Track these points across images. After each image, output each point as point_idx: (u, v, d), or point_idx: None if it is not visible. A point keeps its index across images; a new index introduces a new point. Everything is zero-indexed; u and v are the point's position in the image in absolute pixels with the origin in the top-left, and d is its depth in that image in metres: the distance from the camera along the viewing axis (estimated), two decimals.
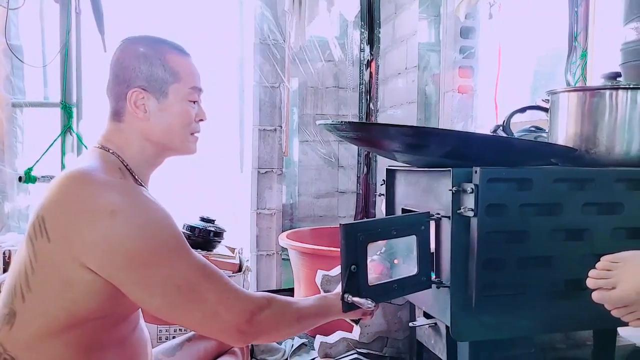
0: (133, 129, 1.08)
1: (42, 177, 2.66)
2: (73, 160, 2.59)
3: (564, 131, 1.42)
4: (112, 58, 1.11)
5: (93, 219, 0.91)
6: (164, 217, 0.98)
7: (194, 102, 1.12)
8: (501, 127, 1.55)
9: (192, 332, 1.35)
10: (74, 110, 2.74)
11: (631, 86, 1.34)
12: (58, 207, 0.95)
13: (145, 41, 1.10)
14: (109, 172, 1.00)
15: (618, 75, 1.38)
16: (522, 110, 1.56)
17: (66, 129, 2.71)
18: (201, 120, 1.15)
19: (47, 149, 2.68)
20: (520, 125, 1.70)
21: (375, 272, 1.18)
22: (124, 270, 0.93)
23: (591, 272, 0.98)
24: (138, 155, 1.09)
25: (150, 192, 1.12)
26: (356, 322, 1.28)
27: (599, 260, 0.98)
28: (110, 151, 1.07)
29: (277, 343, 2.29)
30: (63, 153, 2.72)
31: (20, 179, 2.67)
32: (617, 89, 1.33)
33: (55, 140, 2.70)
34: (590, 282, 0.97)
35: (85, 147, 2.72)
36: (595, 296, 0.97)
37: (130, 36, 1.13)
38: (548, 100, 1.49)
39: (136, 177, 1.08)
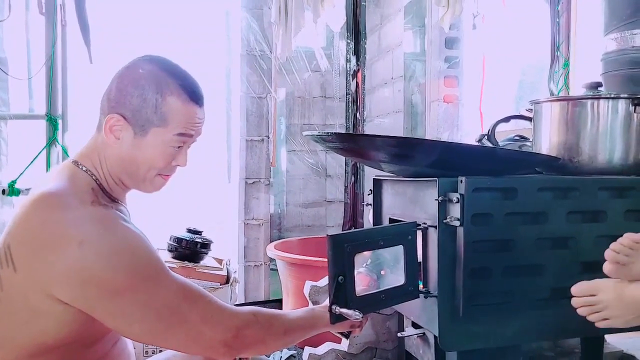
0: (104, 149, 1.04)
1: (26, 189, 2.62)
2: (44, 177, 2.55)
3: (547, 140, 1.44)
4: (118, 70, 1.04)
5: (61, 250, 0.88)
6: (138, 243, 0.94)
7: (178, 147, 1.05)
8: (486, 136, 1.56)
9: None
10: (59, 122, 2.71)
11: (612, 96, 1.36)
12: (24, 235, 0.91)
13: (155, 71, 1.01)
14: (79, 195, 0.95)
15: (599, 85, 1.40)
16: (507, 119, 1.58)
17: (51, 141, 2.68)
18: (178, 165, 1.08)
19: (32, 162, 2.65)
20: (504, 134, 1.71)
21: (362, 284, 1.18)
22: (98, 300, 0.90)
23: (613, 245, 0.99)
24: (109, 177, 1.04)
25: (127, 210, 1.09)
26: (346, 336, 1.27)
27: (616, 241, 1.01)
28: (84, 168, 1.02)
29: (266, 356, 2.28)
30: (48, 165, 2.68)
31: (3, 191, 2.63)
32: (598, 98, 1.35)
33: (40, 153, 2.67)
34: (610, 255, 0.99)
35: None
36: (607, 268, 0.99)
37: (150, 55, 1.04)
38: (531, 109, 1.51)
39: (111, 195, 1.04)
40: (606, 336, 1.78)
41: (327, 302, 1.12)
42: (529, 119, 1.53)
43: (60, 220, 0.90)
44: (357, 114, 3.21)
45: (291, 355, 2.25)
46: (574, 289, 1.01)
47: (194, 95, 1.03)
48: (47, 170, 2.67)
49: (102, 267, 0.88)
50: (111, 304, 0.90)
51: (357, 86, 3.14)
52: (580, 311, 1.00)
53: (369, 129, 3.51)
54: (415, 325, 1.48)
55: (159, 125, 1.00)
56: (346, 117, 3.43)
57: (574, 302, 1.01)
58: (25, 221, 0.92)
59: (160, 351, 1.69)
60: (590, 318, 0.99)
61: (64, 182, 0.97)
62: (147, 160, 1.03)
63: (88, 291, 0.89)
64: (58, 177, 0.99)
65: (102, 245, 0.89)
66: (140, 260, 0.93)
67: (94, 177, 1.02)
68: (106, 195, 1.04)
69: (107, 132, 1.01)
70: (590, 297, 0.98)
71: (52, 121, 2.68)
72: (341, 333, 1.24)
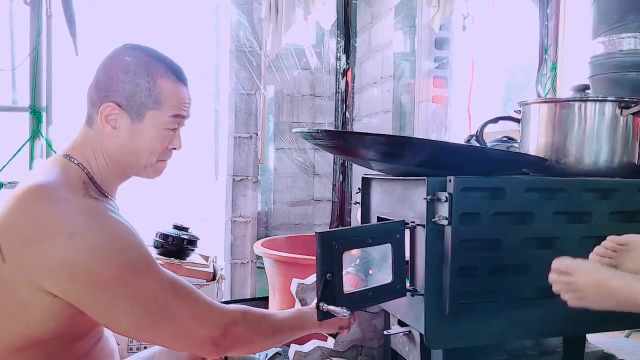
0: (100, 140, 1.03)
1: (9, 182, 2.59)
2: (34, 169, 2.53)
3: (535, 141, 1.45)
4: (103, 60, 1.05)
5: (51, 242, 0.87)
6: (128, 236, 0.94)
7: (173, 129, 1.07)
8: (474, 137, 1.57)
9: None
10: (44, 114, 2.67)
11: (599, 98, 1.38)
12: (14, 226, 0.90)
13: (141, 56, 1.03)
14: (70, 188, 0.95)
15: (587, 87, 1.42)
16: (495, 120, 1.59)
17: (35, 133, 2.65)
18: (174, 149, 1.10)
19: (15, 154, 2.61)
20: (492, 135, 1.73)
21: (350, 285, 1.18)
22: (87, 293, 0.90)
23: (597, 249, 1.00)
24: (103, 168, 1.04)
25: (116, 205, 1.08)
26: (334, 336, 1.27)
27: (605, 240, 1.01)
28: (75, 162, 1.01)
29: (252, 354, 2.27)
30: (31, 158, 2.65)
31: None
32: (585, 101, 1.37)
33: (23, 145, 2.63)
34: (594, 259, 1.00)
35: (55, 152, 2.65)
36: None
37: (130, 44, 1.06)
38: (520, 111, 1.52)
39: (102, 189, 1.04)
40: (587, 336, 1.81)
41: (315, 303, 1.12)
42: (517, 120, 1.54)
43: (51, 212, 0.89)
44: (347, 113, 3.20)
45: (277, 353, 2.25)
46: (555, 264, 1.00)
47: (181, 76, 1.06)
48: (30, 163, 2.64)
49: (92, 259, 0.88)
50: (100, 297, 0.90)
51: (346, 85, 3.14)
52: (554, 287, 1.00)
53: (358, 128, 3.51)
54: (401, 323, 1.48)
55: (154, 108, 1.02)
56: (335, 116, 3.42)
57: (551, 277, 1.01)
58: (16, 212, 0.91)
59: (145, 348, 1.68)
60: (563, 296, 0.99)
61: (55, 174, 0.97)
62: (146, 146, 1.04)
63: (78, 283, 0.88)
64: (49, 169, 0.99)
65: (93, 237, 0.89)
66: (130, 253, 0.93)
67: (85, 170, 1.02)
68: (97, 189, 1.03)
69: (102, 122, 1.01)
70: (566, 277, 0.98)
71: (36, 114, 2.65)
72: (330, 334, 1.24)
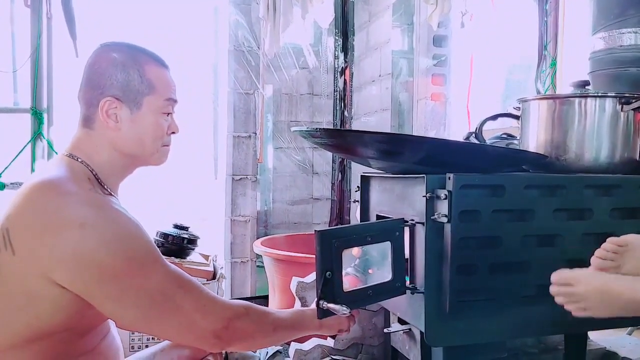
0: (103, 137, 1.06)
1: (11, 183, 2.60)
2: (40, 168, 2.53)
3: (534, 138, 1.45)
4: (87, 62, 1.08)
5: (61, 233, 0.89)
6: (135, 229, 0.96)
7: (168, 114, 1.11)
8: (473, 134, 1.57)
9: (166, 342, 1.33)
10: (45, 116, 2.68)
11: (599, 94, 1.37)
12: (24, 219, 0.92)
13: (124, 49, 1.08)
14: (77, 183, 0.98)
15: (587, 83, 1.41)
16: (494, 117, 1.59)
17: (36, 135, 2.65)
18: (173, 133, 1.14)
19: (17, 155, 2.62)
20: (492, 132, 1.72)
21: (350, 285, 1.18)
22: (96, 284, 0.91)
23: (598, 252, 1.00)
24: (107, 164, 1.07)
25: (119, 202, 1.10)
26: (333, 337, 1.28)
27: (604, 242, 1.02)
28: (79, 160, 1.04)
29: (252, 351, 2.27)
30: (33, 159, 2.66)
31: None
32: (586, 97, 1.36)
33: (25, 147, 2.64)
34: (596, 262, 0.99)
35: (56, 153, 2.66)
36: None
37: (108, 41, 1.10)
38: (519, 107, 1.52)
39: (105, 186, 1.06)
40: (589, 333, 1.80)
41: (315, 301, 1.12)
42: (517, 117, 1.54)
43: (61, 204, 0.92)
44: (345, 112, 3.21)
45: (277, 351, 2.25)
46: (554, 277, 1.00)
47: (163, 62, 1.12)
48: (32, 164, 2.64)
49: (102, 251, 0.90)
50: (109, 288, 0.92)
51: (345, 83, 3.14)
52: (557, 300, 1.00)
53: (356, 126, 3.51)
54: (401, 321, 1.48)
55: (149, 93, 1.06)
56: (334, 115, 3.42)
57: (552, 289, 1.01)
58: (25, 206, 0.93)
59: (147, 347, 1.68)
60: (567, 307, 0.99)
61: (62, 171, 1.00)
62: (149, 133, 1.08)
63: (87, 274, 0.90)
64: (56, 167, 1.02)
65: (102, 229, 0.91)
66: (138, 246, 0.95)
67: (89, 167, 1.04)
68: (101, 185, 1.06)
69: (104, 118, 1.04)
70: (567, 288, 0.98)
71: (37, 115, 2.65)
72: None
